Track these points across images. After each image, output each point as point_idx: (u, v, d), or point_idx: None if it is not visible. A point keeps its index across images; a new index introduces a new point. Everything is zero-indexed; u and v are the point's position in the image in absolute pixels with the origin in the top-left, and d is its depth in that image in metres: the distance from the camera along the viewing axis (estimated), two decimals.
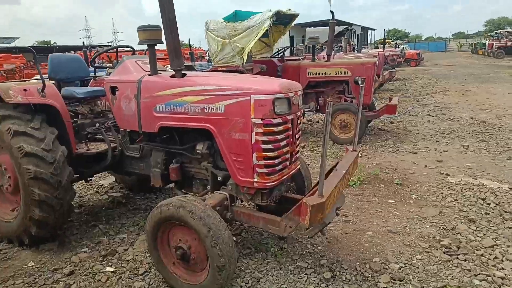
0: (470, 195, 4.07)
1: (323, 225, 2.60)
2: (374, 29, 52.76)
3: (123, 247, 3.20)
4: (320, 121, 8.53)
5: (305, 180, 3.47)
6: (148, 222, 2.59)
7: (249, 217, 2.75)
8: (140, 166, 3.39)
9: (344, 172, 2.68)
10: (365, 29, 50.89)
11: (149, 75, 3.02)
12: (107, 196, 4.49)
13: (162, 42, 2.87)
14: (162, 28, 2.71)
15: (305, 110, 7.14)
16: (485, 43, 37.35)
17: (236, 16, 6.57)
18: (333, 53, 12.17)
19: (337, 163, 2.90)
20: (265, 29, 6.26)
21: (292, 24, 7.98)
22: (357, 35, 15.61)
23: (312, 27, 15.11)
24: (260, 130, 2.50)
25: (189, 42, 14.75)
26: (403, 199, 4.08)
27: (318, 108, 7.19)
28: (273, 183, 2.61)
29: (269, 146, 2.54)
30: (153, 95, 2.91)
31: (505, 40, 31.52)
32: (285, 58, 7.94)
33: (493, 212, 3.62)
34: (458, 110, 9.14)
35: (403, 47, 29.63)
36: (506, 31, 35.31)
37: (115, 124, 3.41)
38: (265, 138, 2.52)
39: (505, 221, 3.45)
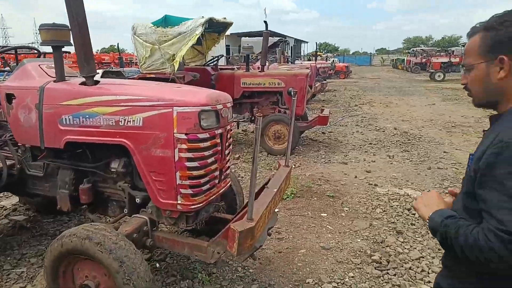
0: (397, 205, 4.19)
1: (254, 249, 2.40)
2: (307, 42, 54.97)
3: (20, 285, 2.69)
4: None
5: (237, 197, 3.27)
6: (47, 256, 2.17)
7: (173, 243, 2.45)
8: (44, 187, 2.90)
9: (275, 191, 2.51)
10: (298, 42, 52.95)
11: (54, 81, 2.60)
12: (7, 220, 3.84)
13: (70, 44, 2.49)
14: (70, 27, 2.35)
15: (240, 120, 6.98)
16: (404, 59, 41.04)
17: (166, 21, 6.23)
18: (267, 64, 12.38)
19: (269, 180, 2.74)
20: (197, 36, 6.01)
21: (227, 33, 7.85)
22: (291, 47, 16.05)
23: (247, 37, 15.17)
24: (184, 146, 2.24)
25: (118, 47, 13.91)
26: (335, 212, 4.07)
27: (253, 118, 7.08)
28: (199, 205, 2.35)
29: (195, 164, 2.29)
30: (58, 105, 2.49)
31: (420, 57, 34.83)
32: (219, 67, 7.74)
33: (418, 223, 3.74)
34: (383, 121, 9.69)
35: (333, 60, 31.24)
36: (421, 49, 39.18)
37: (12, 138, 2.89)
38: (190, 155, 2.26)
39: (428, 231, 3.57)
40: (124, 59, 14.28)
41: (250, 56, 7.00)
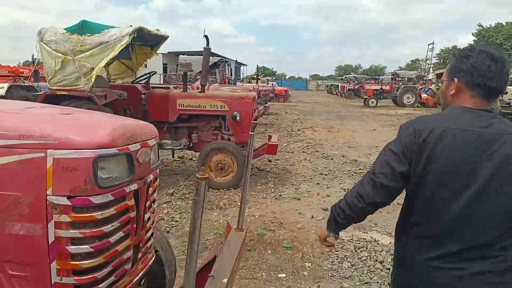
0: (366, 256, 3.48)
1: None
2: (246, 65, 55.64)
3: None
4: (194, 159, 7.44)
5: (166, 268, 2.28)
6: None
7: None
8: None
9: (225, 281, 1.60)
10: (238, 64, 53.28)
11: None
12: None
13: None
14: None
15: (175, 148, 5.96)
16: (338, 85, 43.06)
17: (84, 28, 5.09)
18: (208, 84, 11.53)
19: (214, 259, 1.82)
20: (122, 47, 4.98)
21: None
22: (231, 68, 15.49)
23: (186, 55, 14.25)
24: (65, 218, 1.27)
25: (32, 58, 12.10)
26: (296, 270, 3.23)
27: (191, 145, 6.10)
28: None
29: (85, 248, 1.31)
30: None
31: (353, 83, 36.65)
32: (151, 85, 6.70)
33: None
34: (329, 147, 9.28)
35: (272, 83, 31.46)
36: (353, 76, 41.38)
37: None
38: (75, 233, 1.29)
39: None
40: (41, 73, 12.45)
41: (188, 75, 6.07)
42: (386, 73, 70.97)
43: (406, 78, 29.75)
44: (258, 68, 17.05)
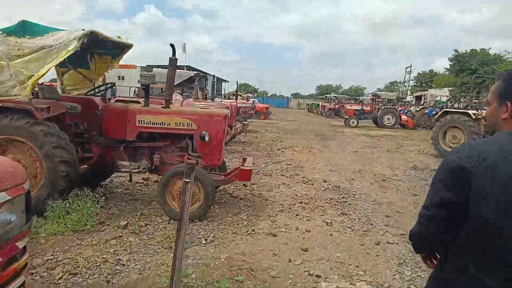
0: None
1: None
2: (228, 81, 55.35)
3: None
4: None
5: None
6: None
7: None
8: None
9: None
10: (219, 80, 52.81)
11: None
12: None
13: None
14: None
15: (133, 171, 5.14)
16: (319, 104, 43.07)
17: (24, 29, 4.30)
18: (182, 99, 10.77)
19: None
20: (69, 53, 4.22)
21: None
22: (212, 83, 14.81)
23: (160, 69, 13.49)
24: None
25: None
26: None
27: (153, 167, 5.29)
28: None
29: None
30: None
31: (334, 103, 36.67)
32: (119, 98, 5.90)
33: None
34: (310, 170, 8.62)
35: (253, 100, 30.97)
36: (334, 96, 41.52)
37: None
38: None
39: None
40: None
41: (150, 88, 5.31)
42: (366, 94, 72.23)
43: (386, 99, 29.90)
44: (238, 84, 16.46)
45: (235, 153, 10.39)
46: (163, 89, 12.34)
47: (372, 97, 31.43)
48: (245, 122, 12.84)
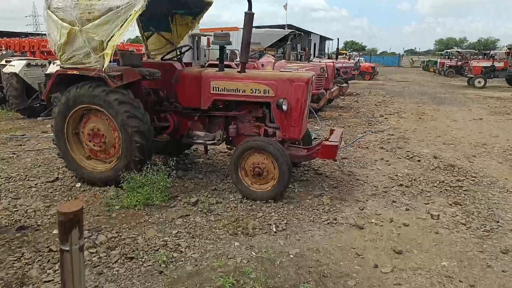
0: None
1: None
2: (332, 39, 52.34)
3: None
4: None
5: None
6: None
7: None
8: None
9: None
10: (323, 39, 50.23)
11: None
12: None
13: None
14: None
15: (208, 142, 4.78)
16: (437, 61, 37.66)
17: None
18: (273, 61, 10.10)
19: None
20: (137, 14, 3.88)
21: (203, 16, 5.66)
22: (308, 41, 13.77)
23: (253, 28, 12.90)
24: None
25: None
26: None
27: (230, 139, 4.88)
28: None
29: None
30: None
31: (456, 60, 31.58)
32: (210, 62, 5.57)
33: None
34: (417, 142, 7.28)
35: (358, 59, 28.53)
36: (456, 51, 35.78)
37: None
38: None
39: None
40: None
41: (224, 48, 4.75)
42: (500, 47, 60.50)
43: None
44: (338, 41, 14.95)
45: (329, 120, 9.46)
46: (263, 51, 11.85)
47: (508, 50, 25.83)
48: (344, 85, 11.60)
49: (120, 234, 3.45)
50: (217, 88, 4.53)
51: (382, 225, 3.71)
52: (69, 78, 4.40)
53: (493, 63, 21.89)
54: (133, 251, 3.15)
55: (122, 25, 3.88)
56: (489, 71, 21.43)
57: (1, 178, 4.99)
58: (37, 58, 12.85)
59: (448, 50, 40.87)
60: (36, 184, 4.79)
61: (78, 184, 4.77)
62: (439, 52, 59.01)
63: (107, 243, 3.28)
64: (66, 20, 4.07)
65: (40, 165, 5.56)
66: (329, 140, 4.38)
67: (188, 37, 16.34)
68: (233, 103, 4.69)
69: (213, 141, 4.74)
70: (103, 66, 4.06)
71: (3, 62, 9.88)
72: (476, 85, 20.61)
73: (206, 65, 9.19)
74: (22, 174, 5.17)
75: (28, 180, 4.97)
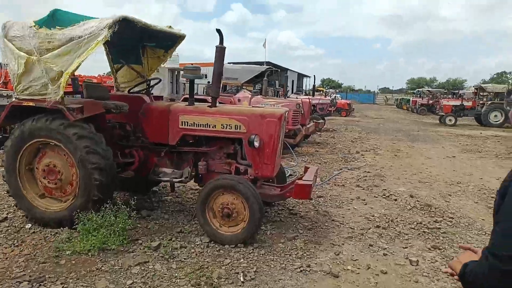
0: None
1: None
2: (309, 76, 53.81)
3: None
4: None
5: None
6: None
7: None
8: None
9: None
10: (301, 76, 51.60)
11: None
12: None
13: None
14: None
15: (175, 180, 4.46)
16: (409, 100, 39.14)
17: (55, 19, 3.89)
18: (250, 96, 10.06)
19: None
20: (99, 44, 3.66)
21: (175, 49, 5.53)
22: (285, 78, 13.96)
23: (232, 64, 13.00)
24: None
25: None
26: None
27: (200, 176, 4.59)
28: None
29: None
30: None
31: (427, 98, 32.93)
32: (154, 96, 5.36)
33: None
34: (393, 180, 7.19)
35: (335, 96, 29.18)
36: (427, 90, 37.33)
37: None
38: None
39: None
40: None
41: (193, 82, 4.57)
42: (467, 87, 63.81)
43: (493, 93, 25.54)
44: (315, 78, 15.23)
45: (306, 156, 9.33)
46: (240, 86, 11.83)
47: (475, 90, 27.11)
48: (320, 121, 11.65)
49: (65, 286, 3.03)
50: (186, 123, 4.30)
51: (358, 273, 3.44)
52: (25, 110, 4.08)
53: (462, 102, 22.85)
54: None
55: (81, 55, 3.65)
56: (459, 110, 22.30)
57: None
58: (2, 88, 12.31)
59: (420, 89, 42.64)
60: None
61: (28, 225, 4.32)
62: (411, 91, 61.65)
63: None
64: (24, 49, 3.81)
65: None
66: (303, 179, 4.17)
67: (168, 71, 16.31)
68: (203, 138, 4.46)
69: (180, 179, 4.43)
70: (58, 97, 3.77)
71: None
72: (447, 123, 21.30)
73: (181, 99, 9.03)
74: None
75: None
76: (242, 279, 3.21)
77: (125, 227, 3.84)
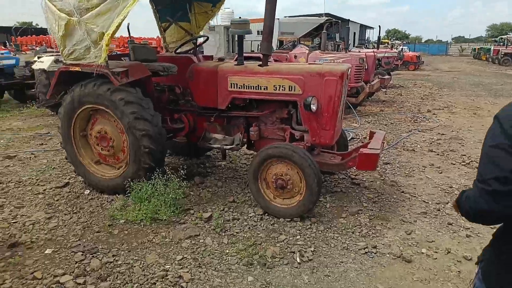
0: None
1: None
2: (373, 28, 49.90)
3: None
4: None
5: None
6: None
7: None
8: None
9: None
10: (363, 28, 47.97)
11: None
12: None
13: None
14: None
15: (226, 147, 4.17)
16: (490, 49, 34.60)
17: None
18: (307, 51, 9.30)
19: None
20: (136, 1, 3.30)
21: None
22: (346, 30, 12.76)
23: (287, 17, 12.10)
24: None
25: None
26: None
27: (252, 142, 4.24)
28: None
29: None
30: None
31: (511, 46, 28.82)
32: (201, 56, 4.98)
33: None
34: (473, 143, 6.25)
35: (401, 48, 26.68)
36: None
37: None
38: None
39: None
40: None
41: (243, 38, 4.07)
42: None
43: None
44: (380, 29, 13.75)
45: (369, 117, 8.55)
46: (297, 41, 11.04)
47: None
48: (386, 76, 10.55)
49: (116, 259, 2.95)
50: (235, 85, 3.91)
51: (436, 258, 2.93)
52: (74, 74, 3.97)
53: None
54: (126, 283, 2.63)
55: (120, 13, 3.34)
56: None
57: (11, 183, 4.72)
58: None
59: (503, 36, 37.41)
60: (44, 190, 4.46)
61: (87, 191, 4.38)
62: (493, 39, 54.42)
63: (99, 270, 2.79)
64: (64, 10, 3.60)
65: (54, 167, 5.27)
66: (368, 146, 3.61)
67: (223, 28, 15.82)
68: (254, 102, 4.05)
69: (231, 146, 4.13)
70: (102, 60, 3.55)
71: (35, 58, 9.88)
72: None
73: (234, 58, 8.60)
74: (33, 178, 4.87)
75: (38, 185, 4.66)
76: (298, 260, 2.89)
77: (176, 197, 3.68)
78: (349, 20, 36.76)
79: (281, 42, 10.77)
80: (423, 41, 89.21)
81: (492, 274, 1.28)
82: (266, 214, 3.63)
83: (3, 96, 11.52)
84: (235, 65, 4.02)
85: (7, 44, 21.55)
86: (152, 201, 3.64)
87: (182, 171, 3.94)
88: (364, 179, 4.56)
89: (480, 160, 1.17)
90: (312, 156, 3.46)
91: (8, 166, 5.41)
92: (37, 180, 4.81)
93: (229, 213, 3.71)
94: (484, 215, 1.15)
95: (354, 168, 3.70)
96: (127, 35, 11.74)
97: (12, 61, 10.31)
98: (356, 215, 3.61)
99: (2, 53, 11.76)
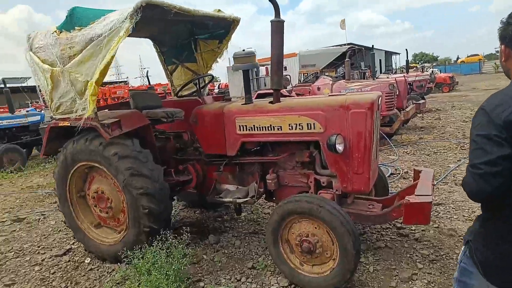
0: None
1: None
2: (399, 53, 49.10)
3: None
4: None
5: None
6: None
7: None
8: None
9: None
10: (388, 54, 47.24)
11: None
12: None
13: None
14: None
15: (238, 200, 3.49)
16: None
17: (74, 18, 3.18)
18: (331, 82, 8.70)
19: None
20: (121, 41, 2.86)
21: (231, 37, 4.58)
22: (371, 55, 12.16)
23: (307, 50, 11.69)
24: None
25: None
26: None
27: (271, 192, 3.56)
28: None
29: None
30: None
31: None
32: (209, 97, 4.47)
33: None
34: None
35: (432, 71, 25.54)
36: None
37: None
38: None
39: None
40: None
41: (250, 73, 3.53)
42: None
43: None
44: (407, 52, 13.01)
45: (407, 146, 7.65)
46: (319, 73, 10.53)
47: None
48: (421, 101, 9.67)
49: None
50: (244, 127, 3.31)
51: None
52: (61, 131, 3.56)
53: None
54: None
55: (104, 57, 2.89)
56: None
57: (11, 252, 4.28)
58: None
59: None
60: (42, 261, 3.97)
61: (88, 260, 3.83)
62: None
63: None
64: (48, 61, 3.23)
65: (60, 230, 4.82)
66: (416, 192, 2.78)
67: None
68: (268, 145, 3.42)
69: (245, 198, 3.46)
70: (90, 112, 3.09)
71: None
72: None
73: (255, 96, 8.14)
74: (35, 245, 4.42)
75: (38, 253, 4.20)
76: None
77: (181, 268, 3.02)
78: (372, 46, 36.34)
79: (303, 76, 10.29)
80: (452, 61, 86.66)
81: (478, 248, 1.43)
82: (291, 285, 2.87)
83: (32, 152, 11.66)
84: (242, 104, 3.44)
85: (32, 101, 22.63)
86: (153, 274, 3.00)
87: (186, 236, 3.28)
88: (414, 228, 3.69)
89: (470, 147, 1.30)
90: (343, 209, 2.72)
91: (14, 231, 5.03)
92: (38, 247, 4.36)
93: (246, 284, 2.98)
94: (479, 195, 1.30)
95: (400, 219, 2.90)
96: (147, 83, 11.74)
97: (37, 118, 10.45)
98: (410, 282, 2.77)
99: (27, 111, 12.07)
